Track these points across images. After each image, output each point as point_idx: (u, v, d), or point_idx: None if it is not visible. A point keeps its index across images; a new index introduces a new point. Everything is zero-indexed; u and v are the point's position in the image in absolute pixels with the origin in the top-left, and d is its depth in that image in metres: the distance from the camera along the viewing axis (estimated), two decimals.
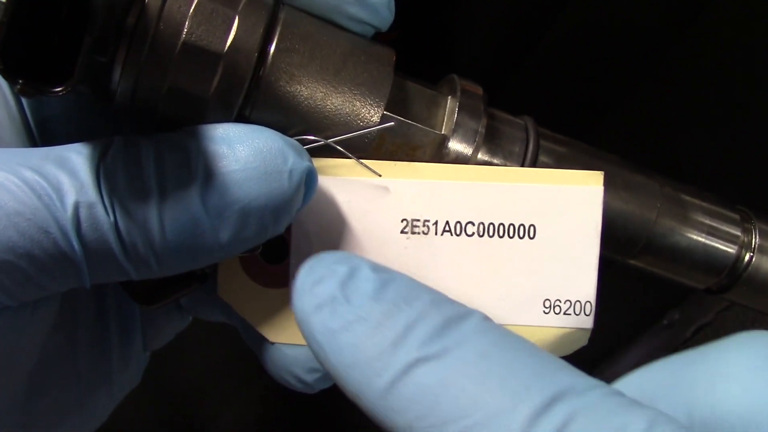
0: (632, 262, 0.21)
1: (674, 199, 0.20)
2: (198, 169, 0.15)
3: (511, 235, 0.16)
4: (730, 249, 0.21)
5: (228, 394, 0.63)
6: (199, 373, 0.64)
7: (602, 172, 0.17)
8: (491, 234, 0.16)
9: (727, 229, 0.21)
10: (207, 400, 0.63)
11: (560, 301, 0.17)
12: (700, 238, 0.20)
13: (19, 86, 0.12)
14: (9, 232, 0.14)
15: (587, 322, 0.17)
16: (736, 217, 0.22)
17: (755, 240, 0.21)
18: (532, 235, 0.16)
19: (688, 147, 0.47)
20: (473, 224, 0.16)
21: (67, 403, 0.21)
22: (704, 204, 0.21)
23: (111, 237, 0.15)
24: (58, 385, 0.20)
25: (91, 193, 0.14)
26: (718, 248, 0.20)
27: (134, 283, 0.17)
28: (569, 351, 0.18)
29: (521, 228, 0.16)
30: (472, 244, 0.16)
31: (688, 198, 0.20)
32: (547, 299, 0.17)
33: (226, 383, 0.64)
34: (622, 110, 0.57)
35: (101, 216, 0.15)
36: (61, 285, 0.15)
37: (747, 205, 0.41)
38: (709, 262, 0.21)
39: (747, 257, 0.20)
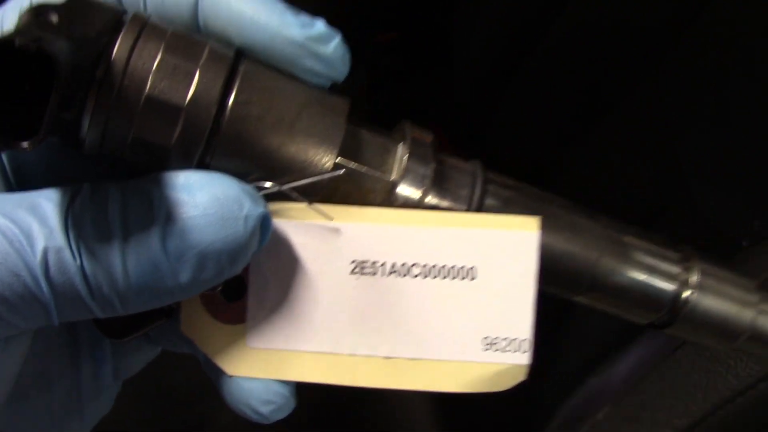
0: (578, 299, 0.22)
1: (616, 241, 0.21)
2: (160, 215, 0.16)
3: (453, 276, 0.17)
4: (670, 287, 0.22)
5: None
6: (197, 373, 0.64)
7: (539, 218, 0.18)
8: (435, 276, 0.17)
9: (668, 269, 0.22)
10: (205, 400, 0.63)
11: (499, 339, 0.18)
12: (640, 278, 0.21)
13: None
14: None
15: (524, 358, 0.19)
16: (678, 256, 0.23)
17: (695, 278, 0.22)
18: (473, 277, 0.17)
19: (688, 147, 0.47)
20: (418, 266, 0.17)
21: None
22: (646, 244, 0.22)
23: (77, 280, 0.16)
24: (31, 417, 0.21)
25: (59, 239, 0.16)
26: (657, 287, 0.21)
27: (104, 318, 0.18)
28: (508, 386, 0.18)
29: (462, 270, 0.17)
30: (416, 284, 0.17)
31: (630, 239, 0.21)
32: (487, 337, 0.18)
33: None
34: (622, 110, 0.57)
35: (68, 260, 0.16)
36: (31, 324, 0.16)
37: (748, 204, 0.41)
38: (649, 300, 0.22)
39: (686, 295, 0.22)
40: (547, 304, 0.67)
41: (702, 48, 0.49)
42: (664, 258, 0.22)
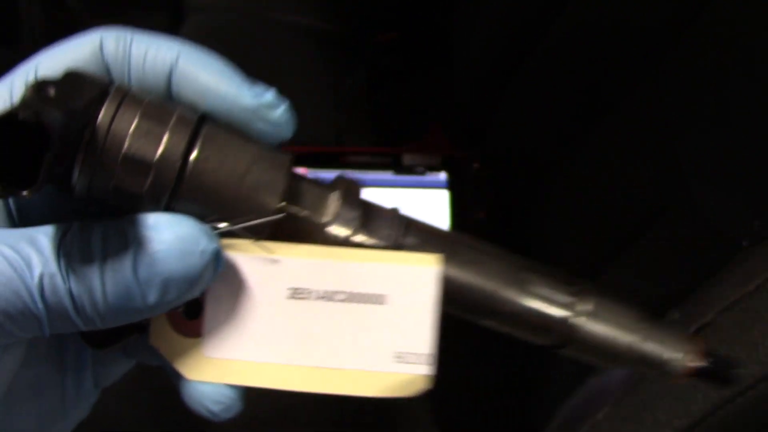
0: (483, 322, 0.25)
1: (514, 275, 0.24)
2: (132, 249, 0.20)
3: (370, 302, 0.21)
4: (560, 314, 0.25)
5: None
6: None
7: (440, 255, 0.22)
8: (354, 301, 0.21)
9: (560, 298, 0.25)
10: None
11: (406, 354, 0.21)
12: (533, 306, 0.25)
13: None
14: None
15: (427, 369, 0.22)
16: (572, 289, 0.26)
17: (585, 307, 0.25)
18: (385, 303, 0.21)
19: (688, 147, 0.47)
20: (341, 293, 0.21)
21: None
22: (542, 278, 0.25)
23: (66, 300, 0.20)
24: (19, 420, 0.25)
25: (52, 266, 0.20)
26: (548, 314, 0.25)
27: (87, 330, 0.22)
28: (415, 392, 0.22)
29: (376, 297, 0.21)
30: (339, 308, 0.21)
31: (527, 274, 0.25)
32: (397, 352, 0.21)
33: None
34: (622, 110, 0.57)
35: (59, 284, 0.20)
36: (27, 334, 0.21)
37: (748, 204, 0.41)
38: (541, 325, 0.25)
39: (574, 321, 0.25)
40: None
41: (702, 48, 0.49)
42: (557, 289, 0.25)
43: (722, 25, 0.47)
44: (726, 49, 0.46)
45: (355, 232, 0.22)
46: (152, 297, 0.20)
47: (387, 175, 0.73)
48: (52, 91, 0.19)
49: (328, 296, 0.21)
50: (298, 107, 0.88)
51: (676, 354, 0.25)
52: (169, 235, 0.20)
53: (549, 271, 0.26)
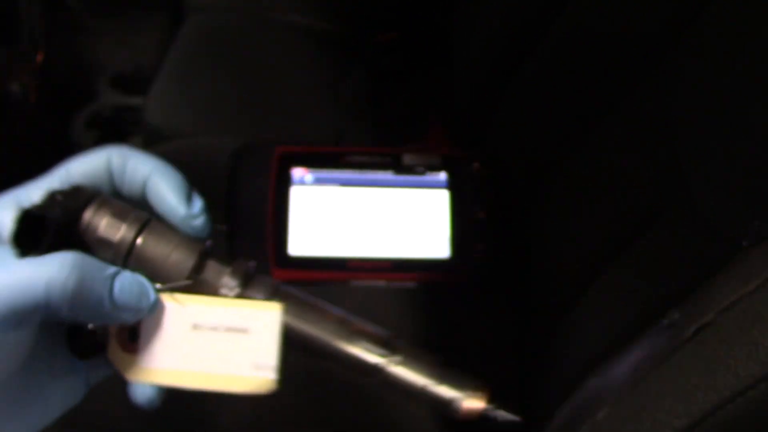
0: (321, 363, 0.34)
1: (344, 328, 0.34)
2: (106, 295, 0.29)
3: (239, 332, 0.31)
4: (377, 362, 0.34)
5: (225, 394, 0.64)
6: None
7: (283, 304, 0.32)
8: (230, 331, 0.31)
9: (377, 350, 0.34)
10: (205, 400, 0.63)
11: (261, 364, 0.31)
12: (355, 352, 0.34)
13: (19, 252, 0.28)
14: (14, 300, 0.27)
15: (274, 375, 0.31)
16: (387, 344, 0.35)
17: (394, 357, 0.34)
18: (248, 333, 0.31)
19: (688, 147, 0.47)
20: (222, 326, 0.31)
21: (28, 414, 0.31)
22: (363, 333, 0.35)
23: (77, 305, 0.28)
24: (21, 398, 0.31)
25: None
26: (368, 362, 0.34)
27: (74, 343, 0.33)
28: (266, 391, 0.32)
29: (243, 329, 0.31)
30: (222, 335, 0.31)
31: (355, 328, 0.35)
32: (255, 363, 0.31)
33: None
34: (622, 110, 0.57)
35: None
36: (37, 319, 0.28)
37: (748, 204, 0.41)
38: (363, 370, 0.35)
39: (387, 368, 0.34)
40: (547, 306, 0.67)
41: (702, 48, 0.49)
42: (376, 344, 0.34)
43: (722, 25, 0.47)
44: (726, 49, 0.46)
45: (236, 292, 0.32)
46: (115, 316, 0.30)
47: (387, 175, 0.73)
48: (59, 198, 0.30)
49: (214, 328, 0.31)
50: (298, 107, 0.89)
51: (458, 395, 0.35)
52: (127, 288, 0.30)
53: (372, 331, 0.35)
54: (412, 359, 0.34)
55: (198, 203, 0.33)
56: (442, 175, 0.73)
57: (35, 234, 0.28)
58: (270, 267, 0.69)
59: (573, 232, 0.61)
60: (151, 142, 0.87)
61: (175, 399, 0.62)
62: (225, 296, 0.31)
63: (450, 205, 0.72)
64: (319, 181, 0.72)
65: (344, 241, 0.70)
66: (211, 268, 0.32)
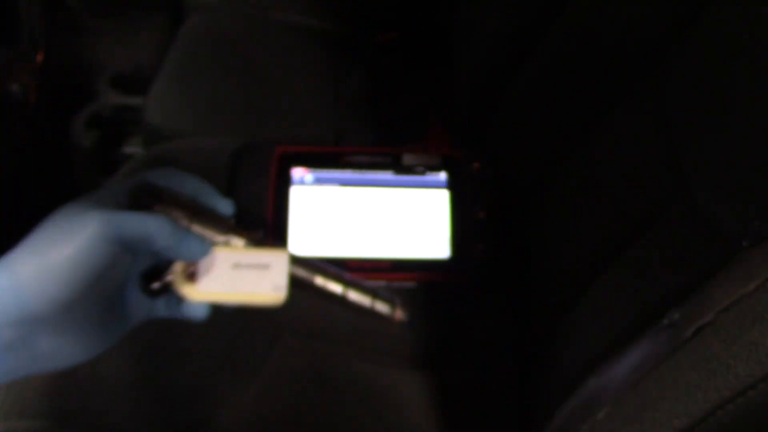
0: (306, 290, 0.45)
1: (321, 268, 0.46)
2: (185, 241, 0.41)
3: (263, 267, 0.43)
4: (338, 290, 0.45)
5: (225, 394, 0.64)
6: (197, 373, 0.64)
7: (287, 250, 0.44)
8: (258, 267, 0.43)
9: (338, 283, 0.46)
10: (205, 400, 0.63)
11: (277, 286, 0.43)
12: (324, 284, 0.45)
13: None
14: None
15: (284, 293, 0.43)
16: (350, 282, 0.46)
17: (351, 288, 0.46)
18: (269, 267, 0.43)
19: (688, 147, 0.47)
20: (253, 264, 0.43)
21: (110, 326, 0.41)
22: (333, 273, 0.46)
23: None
24: (103, 320, 0.40)
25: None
26: (333, 291, 0.45)
27: (146, 285, 0.43)
28: (279, 304, 0.42)
29: (265, 265, 0.43)
30: (252, 270, 0.43)
31: (329, 270, 0.46)
32: (274, 285, 0.43)
33: (223, 383, 0.64)
34: (622, 110, 0.57)
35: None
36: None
37: (748, 204, 0.41)
38: (329, 296, 0.45)
39: (348, 295, 0.45)
40: (547, 306, 0.66)
41: (702, 48, 0.49)
42: (340, 279, 0.46)
43: (722, 25, 0.47)
44: (726, 49, 0.46)
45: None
46: (189, 256, 0.41)
47: (387, 175, 0.73)
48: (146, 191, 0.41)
49: (246, 265, 0.42)
50: (298, 107, 0.89)
51: (389, 311, 0.45)
52: (197, 237, 0.41)
53: (339, 274, 0.45)
54: (360, 288, 0.46)
55: (226, 203, 0.45)
56: (442, 175, 0.73)
57: (145, 200, 0.41)
58: None
59: (573, 232, 0.61)
60: (151, 142, 0.87)
61: (175, 399, 0.62)
62: (251, 246, 0.43)
63: (450, 205, 0.72)
64: (319, 181, 0.72)
65: (344, 241, 0.70)
66: (238, 231, 0.44)
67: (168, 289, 0.43)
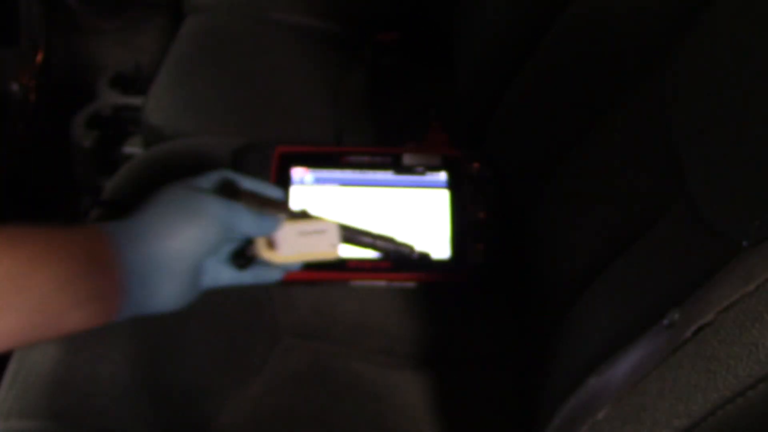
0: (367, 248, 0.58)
1: (362, 229, 0.60)
2: (265, 220, 0.53)
3: (321, 232, 0.55)
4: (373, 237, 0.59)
5: (224, 394, 0.64)
6: (195, 373, 0.64)
7: (338, 222, 0.56)
8: (317, 233, 0.55)
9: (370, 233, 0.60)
10: (205, 400, 0.63)
11: (333, 245, 0.56)
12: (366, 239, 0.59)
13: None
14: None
15: (338, 249, 0.56)
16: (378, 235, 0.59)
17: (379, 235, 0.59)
18: (326, 232, 0.55)
19: (688, 147, 0.47)
20: (315, 230, 0.55)
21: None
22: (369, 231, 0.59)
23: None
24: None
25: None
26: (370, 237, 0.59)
27: (236, 259, 0.54)
28: (335, 258, 0.56)
29: (323, 231, 0.55)
30: (314, 236, 0.55)
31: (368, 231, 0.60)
32: (330, 244, 0.56)
33: (223, 383, 0.64)
34: (623, 110, 0.57)
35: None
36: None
37: (748, 204, 0.41)
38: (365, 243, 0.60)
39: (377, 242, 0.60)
40: (547, 306, 0.66)
41: (702, 48, 0.49)
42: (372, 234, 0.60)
43: (723, 24, 0.47)
44: (726, 49, 0.46)
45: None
46: (267, 230, 0.53)
47: (387, 175, 0.73)
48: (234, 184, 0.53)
49: (308, 232, 0.54)
50: (298, 107, 0.89)
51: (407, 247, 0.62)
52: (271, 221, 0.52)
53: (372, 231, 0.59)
54: (385, 238, 0.60)
55: (278, 190, 0.55)
56: (442, 175, 0.73)
57: (228, 192, 0.50)
58: None
59: (573, 232, 0.61)
60: (151, 142, 0.87)
61: (175, 399, 0.62)
62: (310, 220, 0.55)
63: (450, 205, 0.72)
64: (319, 181, 0.72)
65: None
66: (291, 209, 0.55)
67: (253, 260, 0.53)
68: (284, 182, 0.71)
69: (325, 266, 0.70)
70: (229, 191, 0.51)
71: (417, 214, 0.71)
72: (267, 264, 0.54)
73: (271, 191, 0.54)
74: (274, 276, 0.56)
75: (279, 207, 0.53)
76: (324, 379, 0.66)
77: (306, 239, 0.54)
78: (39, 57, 1.02)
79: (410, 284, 0.72)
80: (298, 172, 0.72)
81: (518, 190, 0.72)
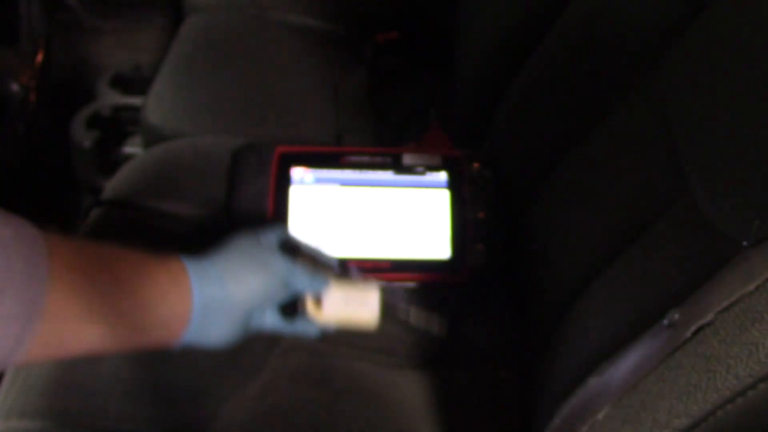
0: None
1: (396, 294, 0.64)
2: (317, 280, 0.58)
3: (363, 301, 0.58)
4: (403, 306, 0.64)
5: (224, 394, 0.64)
6: (195, 373, 0.64)
7: (380, 285, 0.59)
8: (360, 299, 0.58)
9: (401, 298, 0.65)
10: (206, 400, 0.63)
11: (374, 313, 0.59)
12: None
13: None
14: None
15: (377, 319, 0.59)
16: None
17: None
18: (367, 302, 0.58)
19: (688, 147, 0.47)
20: (356, 297, 0.59)
21: None
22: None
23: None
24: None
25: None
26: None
27: (285, 310, 0.57)
28: (374, 327, 0.58)
29: (365, 297, 0.58)
30: (357, 301, 0.58)
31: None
32: (372, 312, 0.59)
33: (223, 383, 0.64)
34: (623, 110, 0.57)
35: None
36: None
37: (748, 204, 0.41)
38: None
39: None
40: (547, 306, 0.66)
41: (702, 48, 0.49)
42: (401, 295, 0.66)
43: (722, 24, 0.47)
44: (727, 49, 0.46)
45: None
46: (317, 289, 0.57)
47: (387, 175, 0.73)
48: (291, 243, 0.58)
49: (353, 298, 0.57)
50: (298, 107, 0.89)
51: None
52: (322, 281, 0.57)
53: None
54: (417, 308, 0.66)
55: (329, 253, 0.61)
56: (442, 175, 0.73)
57: (289, 251, 0.56)
58: None
59: (573, 232, 0.61)
60: (151, 142, 0.87)
61: (175, 399, 0.62)
62: (356, 284, 0.58)
63: (450, 205, 0.72)
64: (319, 181, 0.72)
65: (344, 241, 0.70)
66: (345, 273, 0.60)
67: (299, 313, 0.58)
68: (284, 182, 0.71)
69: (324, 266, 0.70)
70: (288, 249, 0.56)
71: (417, 214, 0.71)
72: (309, 319, 0.58)
73: (323, 252, 0.60)
74: (313, 332, 0.59)
75: (330, 268, 0.59)
76: (324, 379, 0.66)
77: (349, 305, 0.57)
78: (39, 57, 1.02)
79: (410, 284, 0.72)
80: (298, 172, 0.72)
81: (518, 190, 0.72)
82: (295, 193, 0.71)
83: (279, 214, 0.70)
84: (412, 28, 1.02)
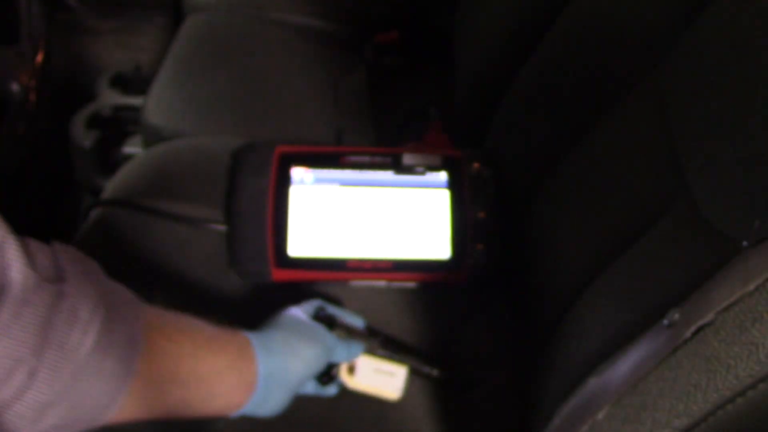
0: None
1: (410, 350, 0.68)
2: (351, 350, 0.64)
3: (391, 373, 0.64)
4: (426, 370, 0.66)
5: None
6: None
7: (407, 365, 0.65)
8: (388, 371, 0.65)
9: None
10: None
11: (398, 387, 0.65)
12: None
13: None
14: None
15: (401, 392, 0.65)
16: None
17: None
18: (394, 374, 0.65)
19: (688, 147, 0.47)
20: (385, 370, 0.65)
21: None
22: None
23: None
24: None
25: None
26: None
27: (321, 377, 0.62)
28: (396, 399, 0.64)
29: (392, 371, 0.64)
30: (385, 373, 0.64)
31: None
32: (396, 386, 0.65)
33: None
34: (623, 109, 0.57)
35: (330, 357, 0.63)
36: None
37: (748, 204, 0.41)
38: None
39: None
40: (547, 306, 0.66)
41: (702, 47, 0.49)
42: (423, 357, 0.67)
43: (724, 23, 0.47)
44: (726, 49, 0.46)
45: (386, 354, 0.65)
46: (349, 358, 0.61)
47: (387, 175, 0.73)
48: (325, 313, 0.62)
49: (381, 369, 0.63)
50: (298, 107, 0.89)
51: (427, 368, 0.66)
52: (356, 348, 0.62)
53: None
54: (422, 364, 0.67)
55: (359, 319, 0.64)
56: (442, 175, 0.73)
57: (324, 322, 0.60)
58: (270, 267, 0.69)
59: (573, 232, 0.61)
60: (151, 142, 0.87)
61: None
62: (383, 357, 0.63)
63: (450, 205, 0.72)
64: (319, 181, 0.72)
65: (344, 241, 0.70)
66: (375, 344, 0.63)
67: (334, 380, 0.62)
68: (284, 182, 0.71)
69: (325, 266, 0.70)
70: (327, 321, 0.61)
71: (417, 214, 0.71)
72: (339, 384, 0.63)
73: (354, 319, 0.64)
74: (334, 391, 0.63)
75: (360, 336, 0.63)
76: None
77: (378, 376, 0.62)
78: (39, 57, 1.02)
79: (410, 284, 0.72)
80: (298, 172, 0.72)
81: (518, 190, 0.72)
82: (295, 193, 0.71)
83: (279, 214, 0.70)
84: (412, 28, 1.02)
